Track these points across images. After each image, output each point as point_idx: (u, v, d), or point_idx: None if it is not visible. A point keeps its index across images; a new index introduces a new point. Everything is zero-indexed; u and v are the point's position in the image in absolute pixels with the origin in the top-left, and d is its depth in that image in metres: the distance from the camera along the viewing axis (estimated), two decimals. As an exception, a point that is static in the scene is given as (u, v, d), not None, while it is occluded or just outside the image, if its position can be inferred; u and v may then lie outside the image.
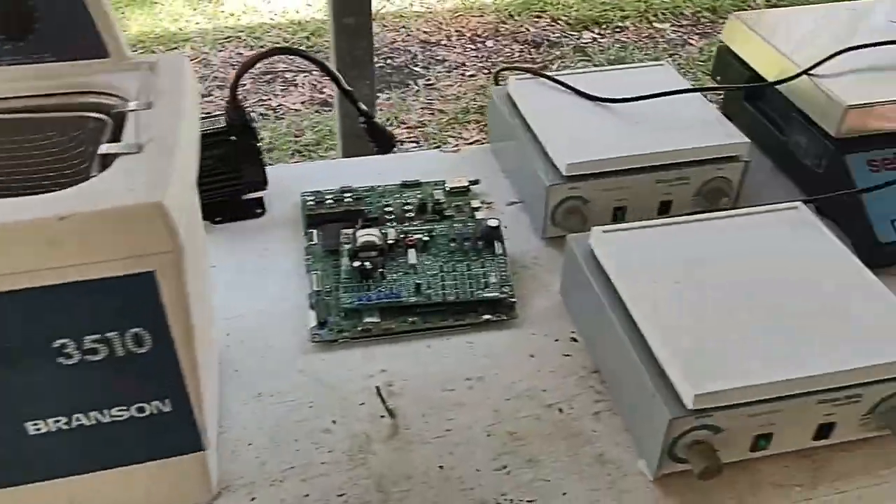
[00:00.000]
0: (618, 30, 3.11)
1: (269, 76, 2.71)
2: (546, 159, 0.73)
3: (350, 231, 0.70)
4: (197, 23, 2.98)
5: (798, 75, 0.75)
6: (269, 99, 2.58)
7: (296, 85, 2.69)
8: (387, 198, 0.78)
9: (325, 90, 2.66)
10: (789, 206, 0.65)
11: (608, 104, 0.78)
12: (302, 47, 2.89)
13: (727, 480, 0.53)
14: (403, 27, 3.07)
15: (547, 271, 0.71)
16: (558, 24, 3.13)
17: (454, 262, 0.69)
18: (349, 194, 0.78)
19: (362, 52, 1.27)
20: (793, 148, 0.79)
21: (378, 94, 2.63)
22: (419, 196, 0.78)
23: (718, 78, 0.90)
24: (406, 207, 0.76)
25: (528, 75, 0.83)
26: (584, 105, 0.78)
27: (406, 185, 0.79)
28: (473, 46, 2.97)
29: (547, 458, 0.55)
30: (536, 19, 3.16)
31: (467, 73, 2.74)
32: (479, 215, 0.76)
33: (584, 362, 0.62)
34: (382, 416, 0.58)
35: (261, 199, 0.78)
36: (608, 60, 2.78)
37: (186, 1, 3.08)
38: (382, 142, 0.76)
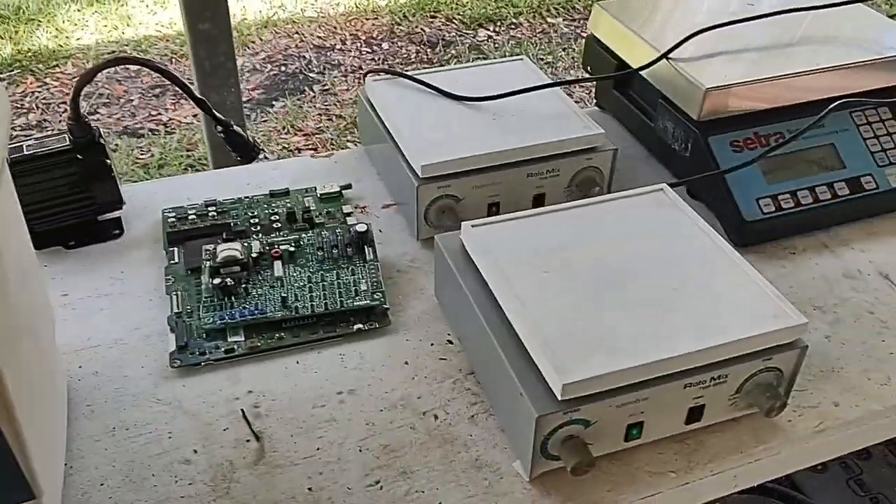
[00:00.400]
0: (512, 26, 3.13)
1: (157, 90, 2.62)
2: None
3: (212, 247, 0.66)
4: (78, 38, 2.85)
5: (657, 60, 0.76)
6: (160, 114, 2.48)
7: (186, 98, 2.60)
8: (254, 209, 0.74)
9: (217, 101, 2.58)
10: (654, 189, 0.65)
11: (467, 102, 0.76)
12: (188, 59, 2.80)
13: (603, 473, 0.53)
14: (297, 33, 3.02)
15: (424, 273, 0.69)
16: (453, 23, 3.14)
17: (323, 271, 0.66)
18: (213, 208, 0.74)
19: (223, 58, 1.22)
20: (661, 133, 0.79)
21: (273, 102, 2.57)
22: (288, 205, 0.75)
23: (589, 68, 0.90)
24: (273, 218, 0.73)
25: (386, 76, 0.81)
26: (444, 103, 0.77)
27: (274, 195, 0.76)
28: (369, 49, 2.95)
29: (422, 468, 0.53)
30: (431, 19, 3.15)
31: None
32: (350, 221, 0.73)
33: (461, 364, 0.61)
34: (248, 441, 0.55)
35: (118, 219, 0.73)
36: (503, 57, 2.79)
37: (67, 17, 2.94)
38: (243, 151, 0.72)
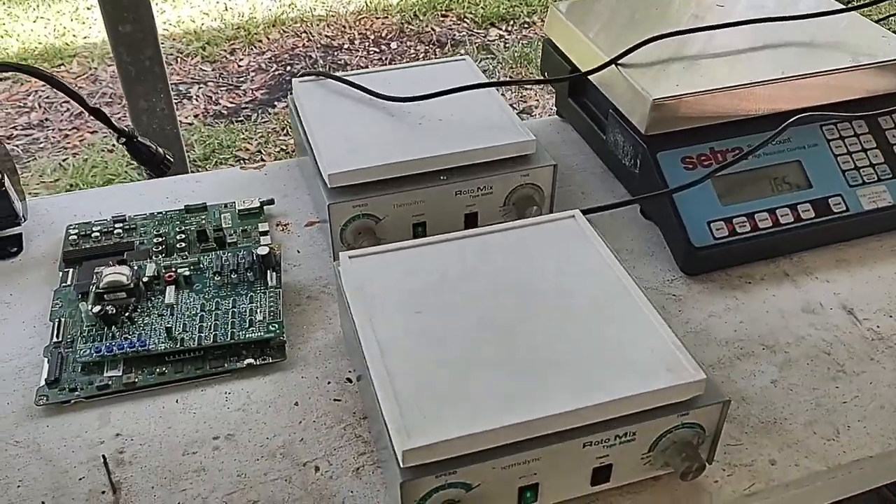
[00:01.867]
0: (525, 26, 3.06)
1: (160, 89, 2.59)
2: (329, 173, 0.66)
3: (101, 270, 0.61)
4: (85, 37, 2.84)
5: (605, 66, 0.69)
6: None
7: (189, 97, 2.57)
8: (165, 226, 0.69)
9: (220, 101, 2.56)
10: (565, 216, 0.58)
11: (398, 104, 0.70)
12: (198, 58, 2.78)
13: (492, 541, 0.46)
14: (305, 32, 2.98)
15: (335, 301, 0.63)
16: (464, 22, 3.07)
17: (219, 298, 0.60)
18: (121, 224, 0.69)
19: (149, 62, 1.16)
20: (612, 147, 0.73)
21: (275, 103, 2.53)
22: (202, 222, 0.69)
23: (546, 73, 0.84)
24: (180, 237, 0.67)
25: (314, 78, 0.75)
26: (370, 108, 0.71)
27: (190, 211, 0.71)
28: (377, 49, 2.90)
29: (291, 529, 0.48)
30: (442, 18, 3.09)
31: (368, 77, 2.66)
32: (264, 240, 0.68)
33: (356, 407, 0.55)
34: (103, 492, 0.49)
35: (18, 236, 0.69)
36: (512, 57, 2.73)
37: (74, 15, 2.93)
38: (151, 163, 0.67)
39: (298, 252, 0.68)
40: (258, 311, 0.59)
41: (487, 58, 2.76)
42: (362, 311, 0.50)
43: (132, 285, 0.59)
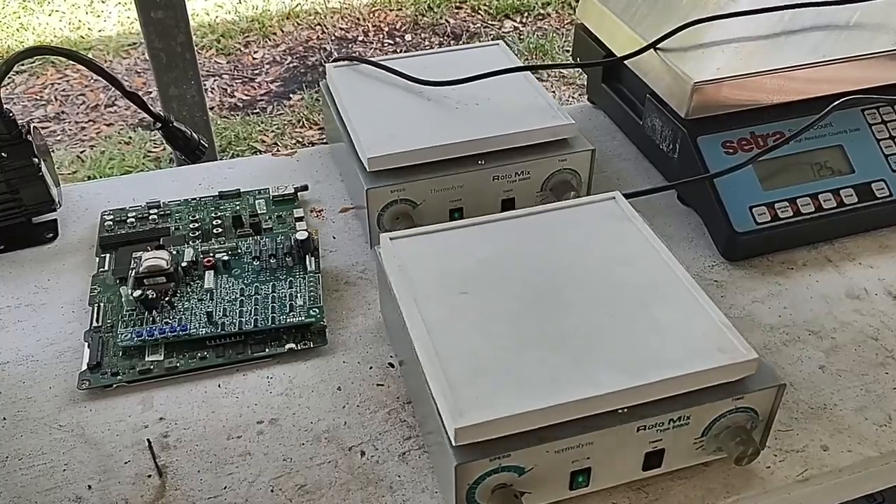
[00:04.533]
0: (540, 17, 3.04)
1: (176, 82, 2.59)
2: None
3: (139, 255, 0.61)
4: (100, 30, 2.84)
5: (643, 50, 0.68)
6: (176, 106, 2.46)
7: (205, 90, 2.57)
8: (199, 212, 0.69)
9: (235, 93, 2.55)
10: (605, 198, 0.58)
11: (433, 88, 0.70)
12: (212, 50, 2.78)
13: (543, 526, 0.46)
14: (319, 24, 2.97)
15: (373, 286, 0.63)
16: (479, 14, 3.06)
17: (258, 283, 0.60)
18: (156, 211, 0.69)
19: (181, 49, 1.15)
20: (649, 132, 0.72)
21: (290, 95, 2.53)
22: (237, 208, 0.69)
23: (578, 59, 0.83)
24: (216, 223, 0.67)
25: (348, 62, 0.75)
26: (405, 92, 0.70)
27: (224, 197, 0.71)
28: (392, 41, 2.89)
29: (339, 513, 0.47)
30: (456, 10, 3.08)
31: (383, 69, 2.65)
32: (300, 226, 0.67)
33: (399, 392, 0.54)
34: (149, 476, 0.49)
35: (53, 222, 0.68)
36: (528, 49, 2.71)
37: (89, 7, 2.93)
38: (186, 150, 0.67)
39: (334, 238, 0.68)
40: (298, 295, 0.59)
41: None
42: (406, 292, 0.50)
43: (172, 270, 0.59)
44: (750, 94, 0.66)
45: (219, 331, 0.56)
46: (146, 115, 0.67)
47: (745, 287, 0.62)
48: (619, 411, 0.44)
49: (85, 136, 2.34)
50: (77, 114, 2.44)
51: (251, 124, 2.35)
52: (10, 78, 2.58)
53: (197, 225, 0.66)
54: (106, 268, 0.63)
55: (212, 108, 2.46)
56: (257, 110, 2.43)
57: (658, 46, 0.68)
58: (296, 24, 2.94)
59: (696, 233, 0.68)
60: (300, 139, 2.29)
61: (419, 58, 0.76)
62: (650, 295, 0.50)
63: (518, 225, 0.56)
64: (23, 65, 2.66)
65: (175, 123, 0.66)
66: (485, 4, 3.08)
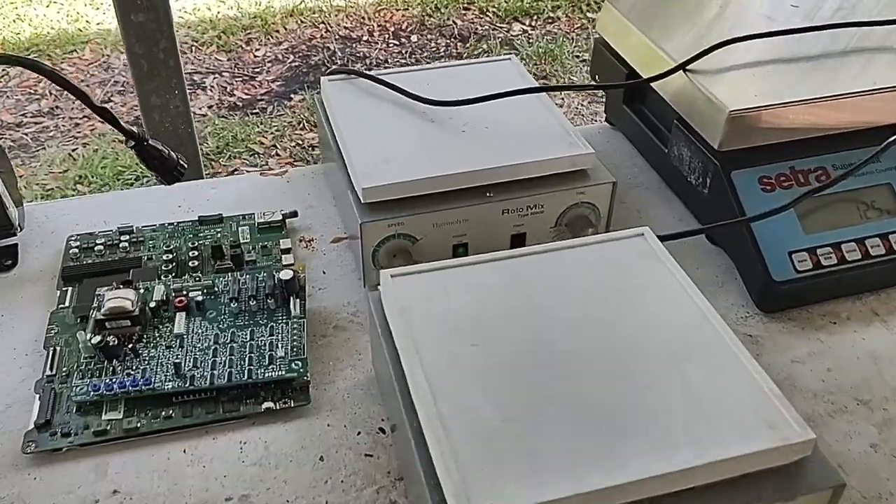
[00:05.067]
0: (549, 21, 2.97)
1: (175, 79, 2.53)
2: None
3: (103, 291, 0.54)
4: (98, 23, 2.77)
5: (672, 72, 0.61)
6: (174, 104, 2.39)
7: (204, 88, 2.51)
8: (176, 239, 0.62)
9: (235, 92, 2.49)
10: (632, 234, 0.51)
11: (438, 108, 0.63)
12: (213, 47, 2.71)
13: None
14: (323, 23, 2.90)
15: (366, 331, 0.56)
16: (487, 16, 2.99)
17: (235, 329, 0.53)
18: (127, 237, 0.62)
19: (164, 55, 1.08)
20: (676, 162, 0.65)
21: (291, 95, 2.46)
22: (218, 236, 0.62)
23: (597, 77, 0.76)
24: (192, 254, 0.60)
25: (345, 76, 0.68)
26: (407, 112, 0.63)
27: (204, 222, 0.64)
28: (397, 42, 2.82)
29: None
30: (464, 12, 3.01)
31: (388, 70, 2.58)
32: (286, 259, 0.61)
33: (390, 465, 0.47)
34: (97, 563, 0.42)
35: (13, 247, 0.62)
36: (536, 53, 2.64)
37: (88, 0, 2.87)
38: (162, 170, 0.60)
39: (324, 273, 0.61)
40: (279, 345, 0.52)
41: (510, 53, 2.68)
42: (408, 341, 0.43)
43: (137, 312, 0.52)
44: (792, 124, 0.59)
45: (187, 385, 0.49)
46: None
47: (782, 344, 0.55)
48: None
49: (79, 132, 2.28)
50: (72, 109, 2.37)
51: (250, 125, 2.28)
52: (4, 70, 2.53)
53: (171, 256, 0.60)
54: (67, 303, 0.56)
55: (210, 107, 2.40)
56: (257, 110, 2.36)
57: (688, 68, 0.61)
58: (299, 22, 2.87)
59: (727, 276, 0.61)
60: (300, 142, 2.23)
61: (423, 72, 0.69)
62: (685, 352, 0.43)
63: (534, 264, 0.49)
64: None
65: (150, 141, 0.59)
66: (493, 6, 3.01)
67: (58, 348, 0.53)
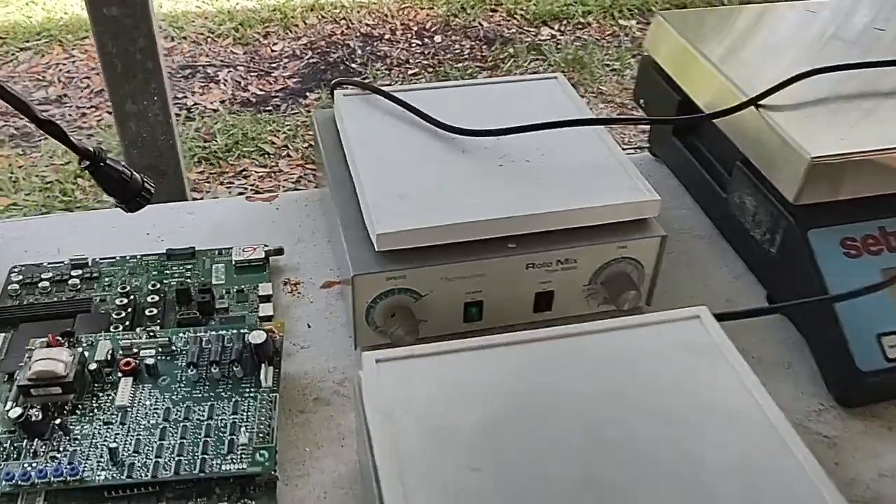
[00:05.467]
0: (579, 26, 2.86)
1: (188, 70, 2.45)
2: (360, 225, 0.48)
3: (34, 347, 0.44)
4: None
5: (741, 107, 0.51)
6: (185, 97, 2.31)
7: (217, 81, 2.42)
8: (137, 277, 0.52)
9: (249, 87, 2.40)
10: (687, 316, 0.40)
11: (463, 137, 0.53)
12: (229, 39, 2.62)
13: None
14: (344, 18, 2.81)
15: (353, 409, 0.46)
16: (515, 18, 2.89)
17: (191, 402, 0.43)
18: (80, 272, 0.52)
19: (141, 55, 0.96)
20: (736, 210, 0.54)
21: (307, 93, 2.37)
22: (187, 275, 0.52)
23: (642, 102, 0.66)
24: (152, 297, 0.50)
25: (361, 90, 0.58)
26: (434, 139, 0.53)
27: (173, 257, 0.54)
28: (419, 42, 2.72)
29: None
30: (491, 13, 2.91)
31: (409, 72, 2.49)
32: (263, 309, 0.50)
33: None
34: None
35: (-55, 278, 0.52)
36: (564, 60, 2.54)
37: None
38: (124, 195, 0.50)
39: (309, 327, 0.51)
40: (243, 427, 0.42)
41: (537, 59, 2.57)
42: (391, 462, 0.33)
43: (72, 377, 0.42)
44: (883, 175, 0.48)
45: (123, 477, 0.39)
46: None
47: (867, 450, 0.45)
48: None
49: (85, 122, 2.19)
50: (80, 98, 2.29)
51: (262, 122, 2.19)
52: (13, 55, 2.45)
53: (127, 300, 0.50)
54: (-4, 355, 0.47)
55: (222, 102, 2.31)
56: (270, 107, 2.27)
57: (760, 103, 0.51)
58: (320, 17, 2.78)
59: (796, 354, 0.50)
60: (312, 144, 2.13)
61: (453, 90, 0.59)
62: (751, 481, 0.33)
63: (562, 352, 0.39)
64: (28, 41, 2.52)
65: (108, 162, 0.49)
66: (521, 9, 2.90)
67: (-24, 414, 0.43)
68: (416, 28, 2.79)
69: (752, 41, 0.60)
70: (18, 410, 0.41)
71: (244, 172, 2.00)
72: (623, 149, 0.52)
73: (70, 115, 2.22)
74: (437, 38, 2.74)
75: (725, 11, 0.69)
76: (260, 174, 2.01)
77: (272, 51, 2.57)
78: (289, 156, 2.07)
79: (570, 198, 0.48)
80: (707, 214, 0.61)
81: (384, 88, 0.57)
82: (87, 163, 0.49)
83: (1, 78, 2.44)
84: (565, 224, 0.48)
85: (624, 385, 0.37)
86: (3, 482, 0.39)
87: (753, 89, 0.51)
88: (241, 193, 1.91)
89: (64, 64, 2.42)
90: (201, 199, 1.90)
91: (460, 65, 2.54)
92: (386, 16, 2.85)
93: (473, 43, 2.71)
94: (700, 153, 0.60)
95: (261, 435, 0.41)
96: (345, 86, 0.59)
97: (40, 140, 2.07)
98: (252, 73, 2.45)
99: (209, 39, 2.58)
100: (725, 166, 0.56)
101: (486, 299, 0.49)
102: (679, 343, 0.40)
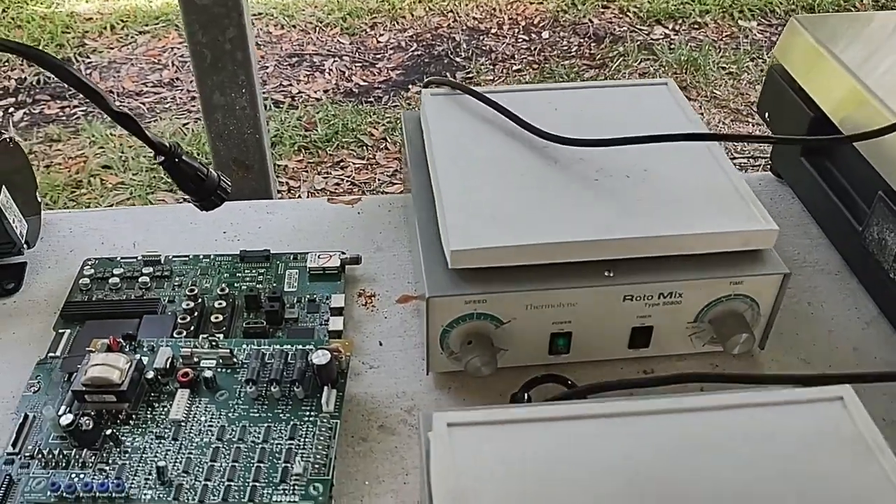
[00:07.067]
0: (695, 26, 2.74)
1: (294, 59, 2.47)
2: (437, 241, 0.44)
3: (91, 350, 0.42)
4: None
5: (889, 129, 0.44)
6: (290, 85, 2.34)
7: (322, 71, 2.43)
8: (208, 278, 0.50)
9: (353, 77, 2.40)
10: (828, 396, 0.34)
11: (557, 145, 0.48)
12: (337, 28, 2.63)
13: None
14: (451, 11, 2.78)
15: (418, 443, 0.42)
16: (627, 16, 2.78)
17: (247, 421, 0.40)
18: (150, 269, 0.50)
19: (231, 46, 0.94)
20: (873, 247, 0.47)
21: (409, 86, 2.35)
22: (259, 279, 0.50)
23: (767, 115, 0.59)
24: (219, 303, 0.48)
25: (450, 90, 0.54)
26: (526, 148, 0.48)
27: (247, 259, 0.51)
28: (526, 37, 2.66)
29: None
30: (602, 10, 2.81)
31: (513, 68, 2.43)
32: (333, 324, 0.47)
33: None
34: None
35: (20, 266, 0.51)
36: (677, 61, 2.42)
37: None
38: (199, 193, 0.47)
39: (380, 345, 0.47)
40: (299, 455, 0.38)
41: (648, 59, 2.47)
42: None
43: (125, 386, 0.40)
44: None
45: (170, 498, 0.37)
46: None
47: None
48: None
49: (193, 106, 2.24)
50: (191, 81, 2.34)
51: (363, 114, 2.18)
52: (132, 38, 2.54)
53: (195, 303, 0.47)
54: (59, 351, 0.45)
55: (326, 92, 2.32)
56: (371, 99, 2.26)
57: (914, 125, 0.43)
58: (427, 10, 2.76)
59: (935, 421, 0.43)
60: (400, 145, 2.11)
61: (551, 93, 0.54)
62: None
63: (673, 428, 0.33)
64: (147, 25, 2.61)
65: (184, 157, 0.47)
66: (635, 6, 2.79)
67: (34, 413, 0.41)
68: (523, 23, 2.73)
69: (889, 49, 0.52)
70: (70, 417, 0.39)
71: (342, 163, 2.00)
72: (740, 161, 0.46)
73: (180, 97, 2.27)
74: (545, 34, 2.67)
75: (871, 17, 0.61)
76: (357, 165, 2.00)
77: (378, 42, 2.57)
78: (386, 148, 2.06)
79: (673, 222, 0.43)
80: (836, 248, 0.53)
81: (477, 89, 0.52)
82: (162, 158, 0.46)
83: (120, 59, 2.53)
84: (668, 251, 0.43)
85: (745, 478, 0.31)
86: (49, 492, 0.37)
87: (905, 109, 0.44)
88: (337, 184, 1.91)
89: (178, 48, 2.49)
90: (298, 187, 1.91)
91: (567, 62, 2.47)
92: (493, 10, 2.80)
93: (582, 40, 2.63)
94: (833, 178, 0.53)
95: (317, 465, 0.38)
96: (436, 85, 0.55)
97: (151, 121, 2.14)
98: (357, 64, 2.46)
99: (318, 28, 2.60)
100: (864, 196, 0.49)
101: (575, 331, 0.44)
102: (817, 430, 0.33)
